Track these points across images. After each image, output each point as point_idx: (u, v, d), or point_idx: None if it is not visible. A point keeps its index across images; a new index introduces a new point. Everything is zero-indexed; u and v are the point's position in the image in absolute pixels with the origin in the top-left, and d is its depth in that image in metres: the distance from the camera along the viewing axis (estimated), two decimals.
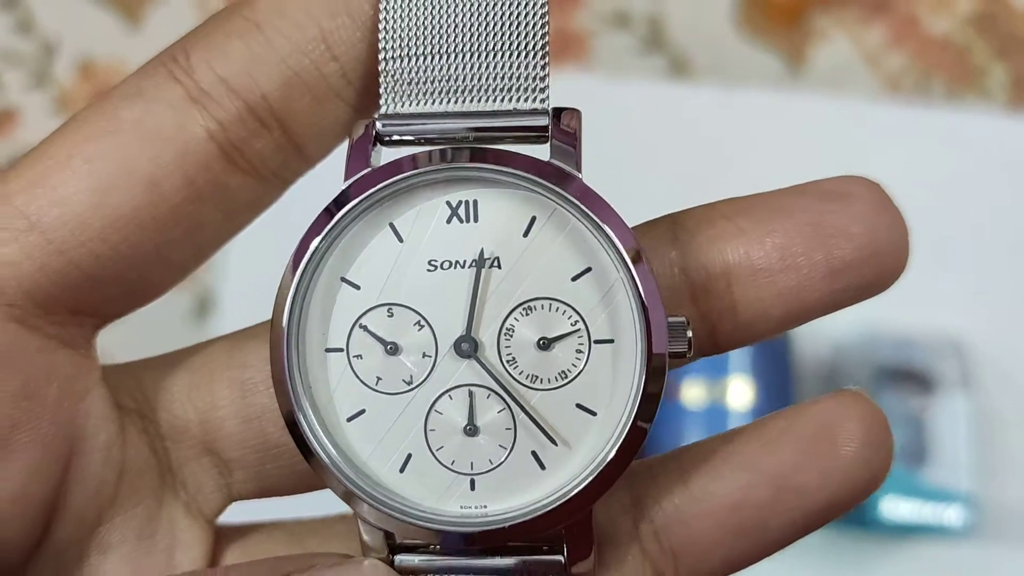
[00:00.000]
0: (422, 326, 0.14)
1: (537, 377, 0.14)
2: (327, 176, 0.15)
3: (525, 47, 0.14)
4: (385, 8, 0.14)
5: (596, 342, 0.14)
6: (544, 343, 0.14)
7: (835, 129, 0.62)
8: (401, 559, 0.15)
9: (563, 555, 0.14)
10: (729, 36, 0.65)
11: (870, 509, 0.48)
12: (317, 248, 0.14)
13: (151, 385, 0.16)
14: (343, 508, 0.16)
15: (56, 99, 0.66)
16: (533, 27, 0.14)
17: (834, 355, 0.56)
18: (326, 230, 0.14)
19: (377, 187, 0.14)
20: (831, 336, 0.56)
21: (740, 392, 0.52)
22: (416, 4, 0.14)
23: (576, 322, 0.14)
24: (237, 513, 0.18)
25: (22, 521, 0.15)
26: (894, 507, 0.48)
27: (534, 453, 0.14)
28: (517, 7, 0.14)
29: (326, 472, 0.15)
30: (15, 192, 0.14)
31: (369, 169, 0.14)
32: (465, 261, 0.14)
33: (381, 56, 0.14)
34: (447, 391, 0.15)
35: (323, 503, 0.17)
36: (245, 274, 0.47)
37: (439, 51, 0.14)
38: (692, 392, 0.52)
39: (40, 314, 0.14)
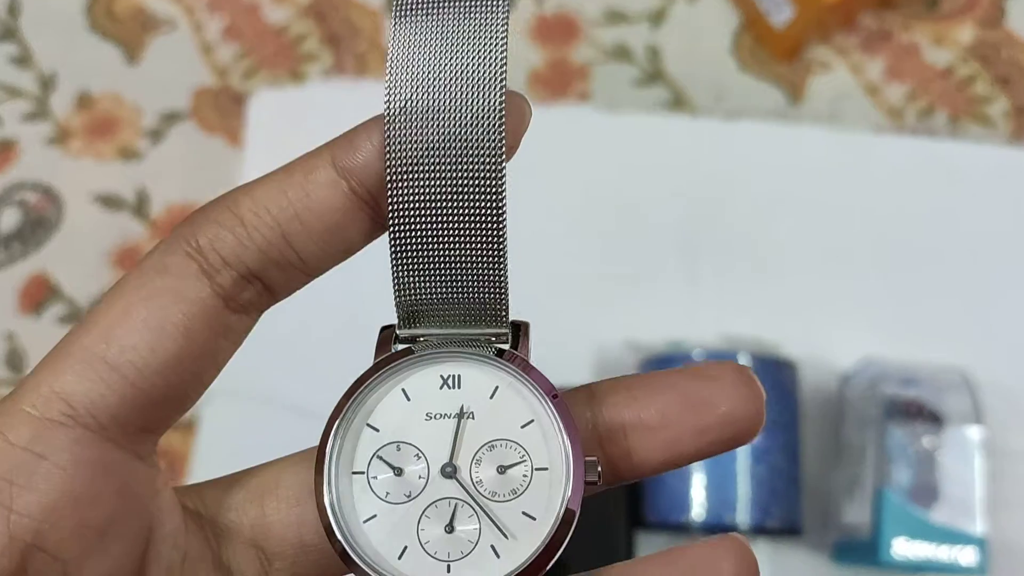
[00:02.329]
0: (419, 457, 0.21)
1: (496, 493, 0.20)
2: None
3: (495, 282, 0.20)
4: (395, 261, 0.20)
5: (537, 469, 0.20)
6: (501, 469, 0.20)
7: (837, 160, 0.61)
8: None
9: None
10: (730, 68, 0.65)
11: (882, 550, 0.47)
12: (351, 403, 0.21)
13: (212, 499, 0.22)
14: None
15: (53, 132, 0.65)
16: (496, 261, 0.20)
17: (840, 388, 0.55)
18: (358, 392, 0.21)
19: (393, 364, 0.21)
20: (837, 369, 0.55)
21: None
22: (418, 265, 0.20)
23: (523, 455, 0.20)
24: None
25: None
26: (906, 547, 0.47)
27: (492, 546, 0.20)
28: (484, 246, 0.20)
29: (348, 560, 0.20)
30: (93, 344, 0.20)
31: (389, 352, 0.21)
32: (451, 413, 0.21)
33: (395, 294, 0.21)
34: (434, 502, 0.21)
35: None
36: None
37: (436, 292, 0.21)
38: None
39: (122, 434, 0.20)
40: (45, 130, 0.65)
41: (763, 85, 0.64)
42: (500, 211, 0.20)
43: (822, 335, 0.56)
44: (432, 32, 0.20)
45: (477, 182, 0.20)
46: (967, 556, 0.46)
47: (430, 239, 0.20)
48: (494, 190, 0.20)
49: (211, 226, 0.20)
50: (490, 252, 0.20)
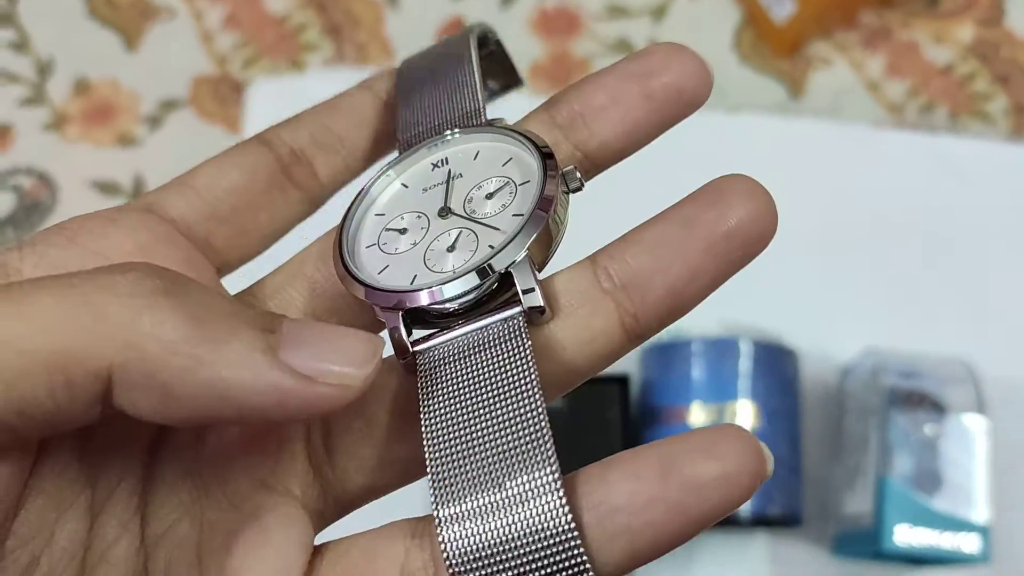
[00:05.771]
0: (420, 216, 0.24)
1: (488, 212, 0.23)
2: None
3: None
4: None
5: (520, 184, 0.23)
6: (490, 195, 0.23)
7: (838, 153, 0.61)
8: (416, 343, 0.22)
9: (521, 307, 0.21)
10: (731, 62, 0.65)
11: (884, 538, 0.46)
12: (357, 199, 0.24)
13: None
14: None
15: (50, 117, 0.65)
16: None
17: (841, 380, 0.55)
18: (363, 191, 0.24)
19: (392, 162, 0.25)
20: (838, 360, 0.55)
21: (746, 416, 0.50)
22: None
23: (507, 180, 0.23)
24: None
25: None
26: (908, 535, 0.46)
27: (490, 245, 0.22)
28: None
29: (354, 286, 0.22)
30: (188, 179, 0.24)
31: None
32: (441, 180, 0.24)
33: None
34: (436, 236, 0.23)
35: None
36: None
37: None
38: (698, 416, 0.50)
39: (190, 236, 0.24)
40: (42, 115, 0.65)
41: (764, 80, 0.64)
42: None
43: (823, 327, 0.56)
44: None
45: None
46: (970, 544, 0.46)
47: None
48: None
49: (276, 125, 0.26)
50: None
